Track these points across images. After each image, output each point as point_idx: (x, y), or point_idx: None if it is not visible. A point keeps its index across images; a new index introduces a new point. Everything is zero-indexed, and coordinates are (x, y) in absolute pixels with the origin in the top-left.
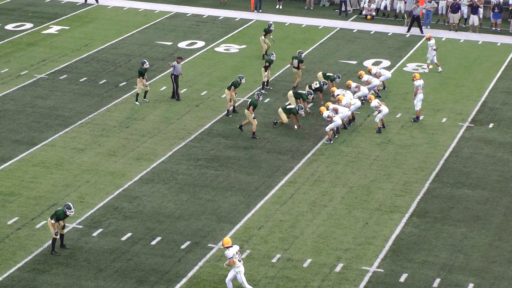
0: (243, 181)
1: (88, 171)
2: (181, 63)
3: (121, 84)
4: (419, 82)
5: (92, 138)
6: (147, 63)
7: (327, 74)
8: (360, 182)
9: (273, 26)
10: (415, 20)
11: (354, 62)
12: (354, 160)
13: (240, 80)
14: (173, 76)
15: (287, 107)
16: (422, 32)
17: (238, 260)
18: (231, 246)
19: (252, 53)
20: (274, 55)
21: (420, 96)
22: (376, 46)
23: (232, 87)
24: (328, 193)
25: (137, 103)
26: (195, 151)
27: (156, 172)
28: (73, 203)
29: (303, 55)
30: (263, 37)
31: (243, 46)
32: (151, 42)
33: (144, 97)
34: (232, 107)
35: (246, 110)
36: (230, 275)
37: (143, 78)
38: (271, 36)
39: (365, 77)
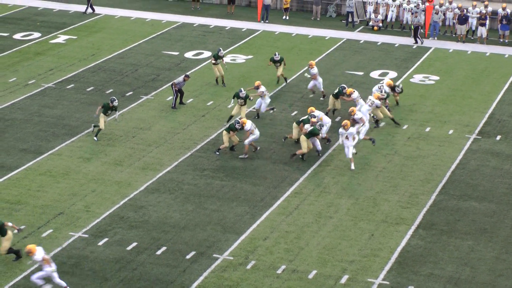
0: (249, 192)
1: (94, 180)
2: (186, 81)
3: (127, 94)
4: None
5: (99, 147)
6: (117, 101)
7: (335, 92)
8: (366, 194)
9: (222, 51)
10: (416, 30)
11: (361, 73)
12: (360, 171)
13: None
14: (176, 88)
15: (308, 130)
16: (416, 42)
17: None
18: (35, 252)
19: (259, 64)
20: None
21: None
22: (383, 57)
23: (237, 98)
24: (333, 204)
25: (95, 138)
26: (201, 161)
27: (162, 182)
28: (79, 212)
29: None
30: (213, 62)
31: (250, 57)
32: (157, 52)
33: (96, 135)
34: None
35: (302, 137)
36: (41, 274)
37: (106, 115)
38: (224, 62)
39: (358, 114)
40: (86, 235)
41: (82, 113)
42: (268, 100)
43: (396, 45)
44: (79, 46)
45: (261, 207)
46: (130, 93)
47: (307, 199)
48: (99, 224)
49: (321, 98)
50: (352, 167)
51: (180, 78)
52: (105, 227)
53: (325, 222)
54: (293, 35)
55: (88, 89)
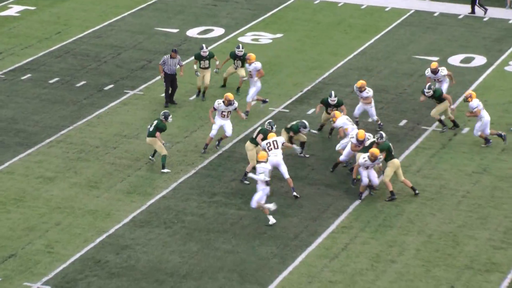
0: (277, 225)
1: (59, 209)
2: (177, 58)
3: (106, 88)
4: (476, 104)
5: (66, 162)
6: (171, 116)
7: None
8: (443, 229)
9: (205, 49)
10: None
11: (435, 59)
12: (435, 197)
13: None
14: (164, 75)
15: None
16: (473, 11)
17: None
18: None
19: (291, 45)
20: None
21: (485, 119)
22: (466, 35)
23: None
24: (397, 243)
25: (164, 170)
26: (210, 183)
27: (155, 211)
28: (38, 254)
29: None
30: (195, 66)
31: (279, 35)
32: (149, 28)
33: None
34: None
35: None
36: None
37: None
38: (217, 64)
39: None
40: (48, 286)
41: (43, 114)
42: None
43: (485, 19)
44: (39, 20)
45: (295, 247)
46: (110, 86)
47: (360, 235)
48: (66, 270)
49: (261, 106)
50: (271, 221)
51: (165, 57)
52: (75, 275)
53: (385, 269)
54: (339, 4)
55: (52, 81)
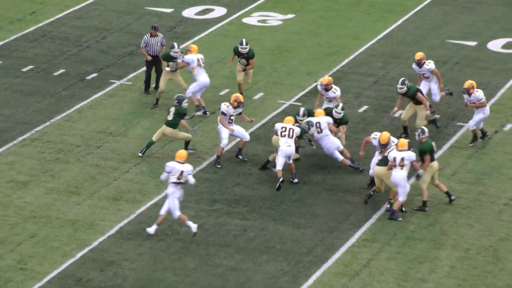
0: (288, 238)
1: (33, 219)
2: (159, 37)
3: (89, 77)
4: (482, 94)
5: (42, 164)
6: (186, 101)
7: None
8: (481, 242)
9: (177, 48)
10: None
11: (472, 44)
12: (472, 204)
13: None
14: (148, 56)
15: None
16: None
17: None
18: None
19: (304, 27)
20: None
21: (487, 113)
22: (509, 17)
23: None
24: (428, 259)
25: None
26: (209, 188)
27: (145, 221)
28: (9, 271)
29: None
30: (167, 69)
31: (289, 16)
32: (138, 8)
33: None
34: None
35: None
36: None
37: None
38: (180, 59)
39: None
40: None
41: (16, 108)
42: None
43: None
44: None
45: (309, 263)
46: (94, 75)
47: (384, 250)
48: None
49: (202, 113)
50: (193, 228)
51: (145, 37)
52: None
53: None
54: None
55: (25, 69)
